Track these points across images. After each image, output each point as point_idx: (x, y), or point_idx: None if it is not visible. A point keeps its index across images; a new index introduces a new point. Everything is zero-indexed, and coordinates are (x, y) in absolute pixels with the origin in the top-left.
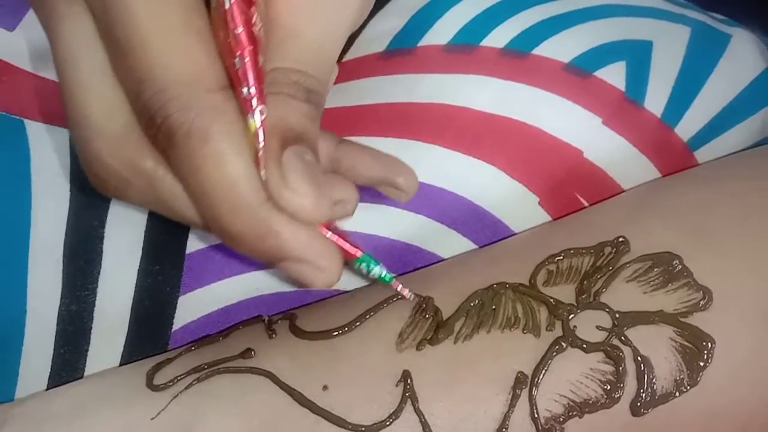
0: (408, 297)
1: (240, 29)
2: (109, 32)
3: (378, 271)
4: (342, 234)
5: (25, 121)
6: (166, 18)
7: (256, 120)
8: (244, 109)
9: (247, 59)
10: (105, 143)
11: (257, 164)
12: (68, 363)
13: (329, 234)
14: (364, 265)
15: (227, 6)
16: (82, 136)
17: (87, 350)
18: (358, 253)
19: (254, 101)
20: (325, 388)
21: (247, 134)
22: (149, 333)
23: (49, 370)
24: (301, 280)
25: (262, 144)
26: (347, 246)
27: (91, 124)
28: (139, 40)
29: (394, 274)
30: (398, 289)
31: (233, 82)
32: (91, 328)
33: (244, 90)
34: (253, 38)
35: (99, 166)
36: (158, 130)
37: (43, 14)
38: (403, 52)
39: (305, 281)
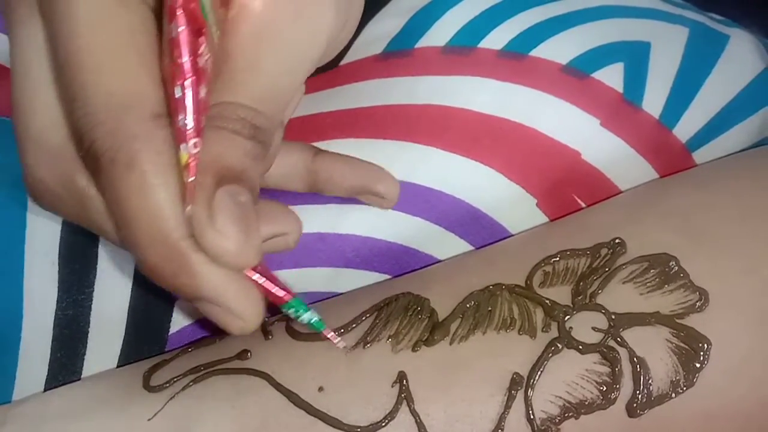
0: (340, 347)
1: (184, 59)
2: (52, 41)
3: (308, 317)
4: (270, 276)
5: None
6: (106, 37)
7: (189, 152)
8: (177, 139)
9: (187, 89)
10: (40, 157)
11: (184, 198)
12: (65, 366)
13: (256, 276)
14: (292, 310)
15: (173, 34)
16: (21, 147)
17: (84, 353)
18: (286, 297)
19: (189, 133)
20: (320, 389)
21: (179, 166)
22: (146, 336)
23: (46, 373)
24: (216, 323)
25: (191, 178)
26: (274, 290)
27: (30, 136)
28: (76, 57)
29: (321, 320)
30: (329, 336)
31: (172, 111)
32: (88, 331)
33: (180, 120)
34: (196, 69)
35: (33, 180)
36: (86, 153)
37: (6, 16)
38: (400, 54)
39: (220, 325)
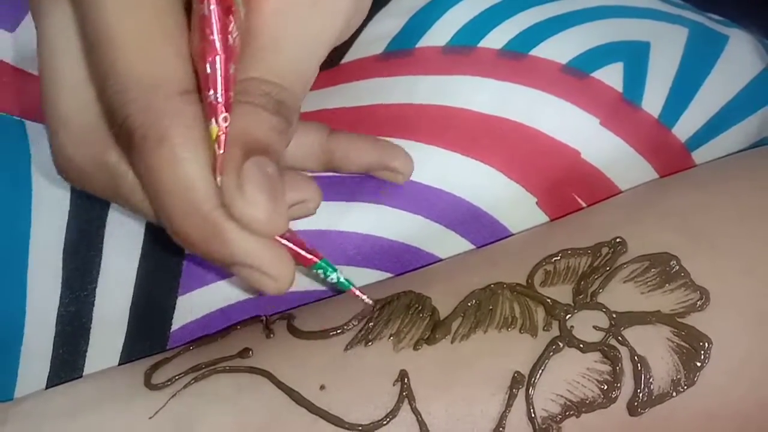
0: (367, 302)
1: (214, 36)
2: (82, 24)
3: (335, 276)
4: (298, 240)
5: (26, 122)
6: (135, 16)
7: (219, 126)
8: (208, 114)
9: (217, 65)
10: (70, 137)
11: (215, 170)
12: (67, 363)
13: (284, 241)
14: (321, 271)
15: (206, 12)
16: (51, 127)
17: (86, 350)
18: (315, 259)
19: (219, 107)
20: (322, 387)
21: (209, 140)
22: (148, 333)
23: (48, 370)
24: (251, 285)
25: (221, 151)
26: (303, 252)
27: (60, 116)
28: (106, 36)
29: (348, 280)
30: (357, 294)
31: (202, 87)
32: (90, 328)
33: (210, 95)
34: (226, 46)
35: (62, 159)
36: (119, 129)
37: (32, 4)
38: (401, 54)
39: (255, 287)
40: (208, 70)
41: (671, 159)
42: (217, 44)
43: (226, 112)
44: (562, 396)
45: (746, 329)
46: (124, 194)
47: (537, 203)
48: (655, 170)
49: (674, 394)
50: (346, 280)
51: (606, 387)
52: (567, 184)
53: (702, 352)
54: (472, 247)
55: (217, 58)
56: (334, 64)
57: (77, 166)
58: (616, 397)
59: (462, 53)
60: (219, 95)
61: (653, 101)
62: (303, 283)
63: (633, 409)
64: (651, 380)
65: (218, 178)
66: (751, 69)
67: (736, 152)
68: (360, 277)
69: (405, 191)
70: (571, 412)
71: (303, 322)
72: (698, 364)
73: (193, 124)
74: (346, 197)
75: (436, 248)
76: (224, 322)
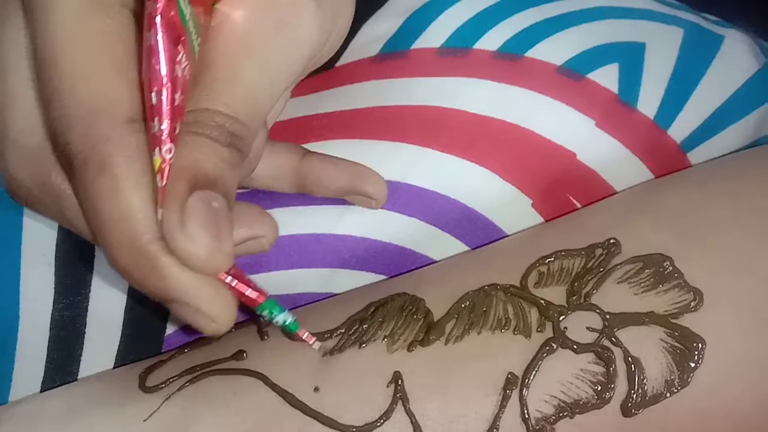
0: (315, 347)
1: (161, 66)
2: (33, 43)
3: (282, 318)
4: (243, 279)
5: None
6: (83, 40)
7: (162, 157)
8: (152, 145)
9: (163, 96)
10: (17, 157)
11: (157, 202)
12: (61, 367)
13: (228, 279)
14: (266, 312)
15: (151, 41)
16: (1, 146)
17: (80, 355)
18: (260, 299)
19: (163, 138)
20: (316, 389)
21: (153, 171)
22: (142, 337)
23: (42, 374)
24: (188, 322)
25: (163, 183)
26: (247, 292)
27: (9, 136)
28: (53, 58)
29: (296, 321)
30: (304, 337)
31: (148, 117)
32: (84, 332)
33: (155, 125)
34: (173, 76)
35: (11, 178)
36: (61, 154)
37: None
38: (396, 56)
39: (192, 325)
40: (154, 100)
41: (667, 160)
42: (164, 74)
43: (171, 143)
44: (555, 397)
45: (740, 330)
46: (69, 217)
47: (532, 205)
48: (651, 171)
49: (668, 394)
50: (295, 321)
51: (599, 388)
52: (562, 186)
53: (696, 352)
54: (467, 249)
55: (163, 89)
56: (330, 67)
57: (25, 186)
58: (610, 398)
59: (457, 55)
60: (163, 126)
61: (649, 102)
62: (298, 287)
63: (627, 410)
64: (645, 381)
65: (159, 212)
66: (746, 69)
67: (731, 153)
68: (354, 279)
69: (399, 194)
70: (565, 413)
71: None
72: (692, 364)
73: (136, 154)
74: (339, 200)
75: (431, 251)
76: None
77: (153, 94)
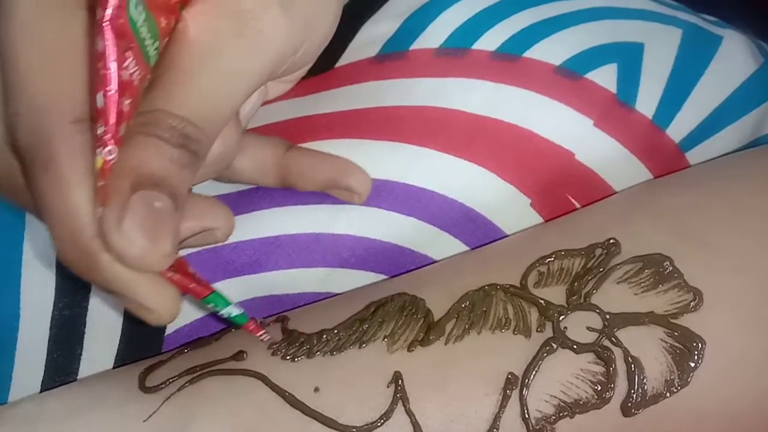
0: (263, 339)
1: (110, 69)
2: None
3: (228, 311)
4: (186, 273)
5: None
6: (39, 39)
7: (103, 158)
8: (96, 145)
9: (108, 98)
10: None
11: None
12: (62, 367)
13: (170, 273)
14: (211, 305)
15: (99, 47)
16: None
17: (80, 354)
18: (204, 293)
19: (105, 140)
20: (316, 390)
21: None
22: (142, 337)
23: (42, 374)
24: (132, 313)
25: (101, 182)
26: (191, 285)
27: None
28: (10, 54)
29: (244, 313)
30: (250, 329)
31: (95, 118)
32: (84, 332)
33: (99, 127)
34: (120, 81)
35: None
36: (14, 150)
37: None
38: (395, 56)
39: (136, 316)
40: (99, 103)
41: (665, 160)
42: (109, 79)
43: (115, 145)
44: (555, 397)
45: (740, 330)
46: (32, 210)
47: (531, 204)
48: (650, 171)
49: (668, 394)
50: (241, 314)
51: (599, 388)
52: (561, 186)
53: (695, 352)
54: (466, 248)
55: (108, 92)
56: (329, 68)
57: None
58: (610, 398)
59: (456, 55)
60: (106, 128)
61: (647, 102)
62: (298, 286)
63: (627, 409)
64: (644, 381)
65: (99, 210)
66: (744, 69)
67: (729, 153)
68: (354, 279)
69: (398, 193)
70: (565, 413)
71: (297, 325)
72: (692, 364)
73: (81, 153)
74: (338, 200)
75: (430, 250)
76: (219, 325)
77: (98, 96)
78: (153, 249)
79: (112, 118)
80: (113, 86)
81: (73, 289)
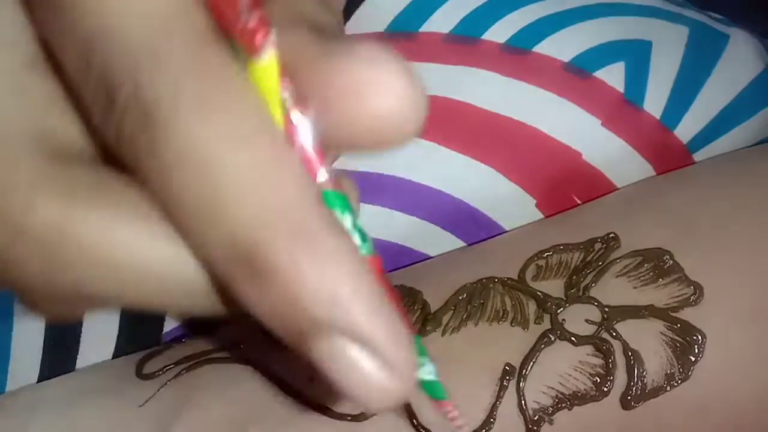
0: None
1: None
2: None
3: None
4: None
5: None
6: None
7: (267, 57)
8: (247, 49)
9: None
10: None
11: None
12: (58, 366)
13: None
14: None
15: None
16: None
17: (76, 353)
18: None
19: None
20: (311, 379)
21: (254, 86)
22: (140, 335)
23: (38, 373)
24: (342, 385)
25: (286, 95)
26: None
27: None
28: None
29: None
30: (446, 409)
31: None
32: (81, 331)
33: (245, 16)
34: None
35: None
36: (123, 112)
37: None
38: (403, 36)
39: (351, 386)
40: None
41: (673, 160)
42: None
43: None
44: (553, 388)
45: (740, 324)
46: (71, 263)
47: (536, 205)
48: (656, 172)
49: (668, 388)
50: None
51: (598, 380)
52: (567, 186)
53: (696, 346)
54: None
55: None
56: None
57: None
58: (609, 391)
59: (466, 43)
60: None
61: (655, 102)
62: None
63: (626, 402)
64: (644, 374)
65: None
66: (751, 69)
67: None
68: None
69: (402, 191)
70: (563, 405)
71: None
72: (692, 358)
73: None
74: None
75: (433, 249)
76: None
77: None
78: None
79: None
80: None
81: None
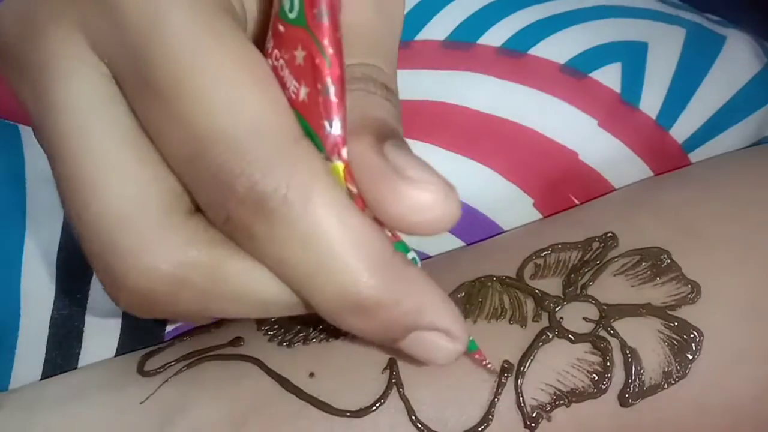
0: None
1: (329, 49)
2: (146, 80)
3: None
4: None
5: (20, 126)
6: (220, 51)
7: (342, 160)
8: (327, 150)
9: (331, 87)
10: (142, 239)
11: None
12: (60, 366)
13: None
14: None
15: (323, 20)
16: (105, 236)
17: (79, 353)
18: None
19: (338, 136)
20: (311, 375)
21: (339, 180)
22: (142, 335)
23: (41, 373)
24: (423, 357)
25: (355, 189)
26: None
27: (118, 214)
28: (193, 81)
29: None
30: (477, 357)
31: (302, 114)
32: (83, 331)
33: (327, 126)
34: (340, 56)
35: (139, 274)
36: (240, 203)
37: (26, 80)
38: (400, 45)
39: (430, 357)
40: (324, 94)
41: (669, 160)
42: (335, 59)
43: (345, 142)
44: (551, 386)
45: (738, 322)
46: (231, 293)
47: (534, 205)
48: (653, 172)
49: (666, 386)
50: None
51: (596, 377)
52: (564, 186)
53: (693, 344)
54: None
55: (334, 75)
56: None
57: (165, 279)
58: (607, 388)
59: (461, 49)
60: (337, 121)
61: (651, 102)
62: None
63: (624, 400)
64: (642, 371)
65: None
66: (748, 70)
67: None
68: None
69: None
70: (561, 402)
71: None
72: (690, 356)
73: (327, 168)
74: None
75: (431, 249)
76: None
77: (321, 87)
78: (451, 189)
79: (341, 107)
80: (336, 68)
81: (72, 289)
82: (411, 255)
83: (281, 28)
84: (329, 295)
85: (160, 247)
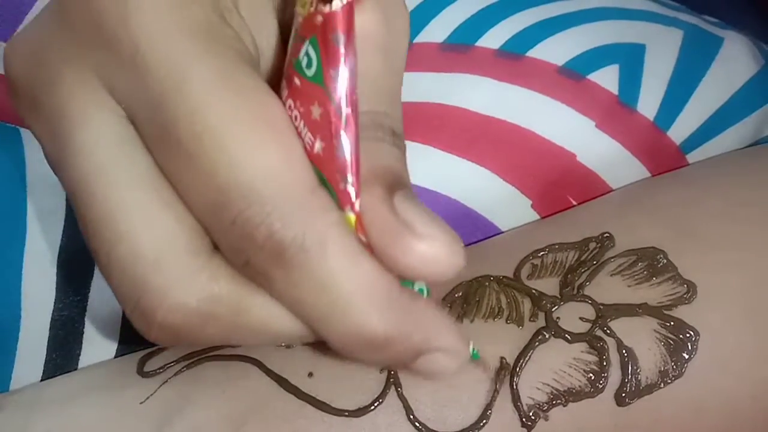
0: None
1: (347, 110)
2: (167, 131)
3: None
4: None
5: (21, 129)
6: (240, 105)
7: (354, 212)
8: (341, 202)
9: (347, 147)
10: (172, 278)
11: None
12: (60, 368)
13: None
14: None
15: (342, 73)
16: (137, 276)
17: (79, 355)
18: None
19: (351, 191)
20: (310, 375)
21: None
22: (142, 338)
23: (42, 374)
24: (427, 375)
25: (365, 238)
26: None
27: (148, 255)
28: (214, 135)
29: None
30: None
31: (316, 165)
32: (83, 333)
33: (341, 182)
34: (356, 114)
35: (169, 310)
36: (259, 250)
37: (43, 122)
38: None
39: (434, 374)
40: (339, 151)
41: (666, 161)
42: (351, 117)
43: (358, 195)
44: (548, 385)
45: (734, 322)
46: (252, 327)
47: (532, 206)
48: (650, 173)
49: (662, 385)
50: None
51: (593, 377)
52: (562, 187)
53: (689, 343)
54: None
55: (349, 132)
56: None
57: (193, 315)
58: (603, 387)
59: (459, 51)
60: (350, 177)
61: (648, 104)
62: None
63: (620, 399)
64: (638, 371)
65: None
66: (746, 71)
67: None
68: None
69: None
70: (558, 401)
71: None
72: (686, 355)
73: (342, 218)
74: None
75: None
76: None
77: (316, 145)
78: (457, 240)
79: (355, 164)
80: (353, 125)
81: (73, 290)
82: (418, 286)
83: (297, 81)
84: (342, 334)
85: (188, 284)
